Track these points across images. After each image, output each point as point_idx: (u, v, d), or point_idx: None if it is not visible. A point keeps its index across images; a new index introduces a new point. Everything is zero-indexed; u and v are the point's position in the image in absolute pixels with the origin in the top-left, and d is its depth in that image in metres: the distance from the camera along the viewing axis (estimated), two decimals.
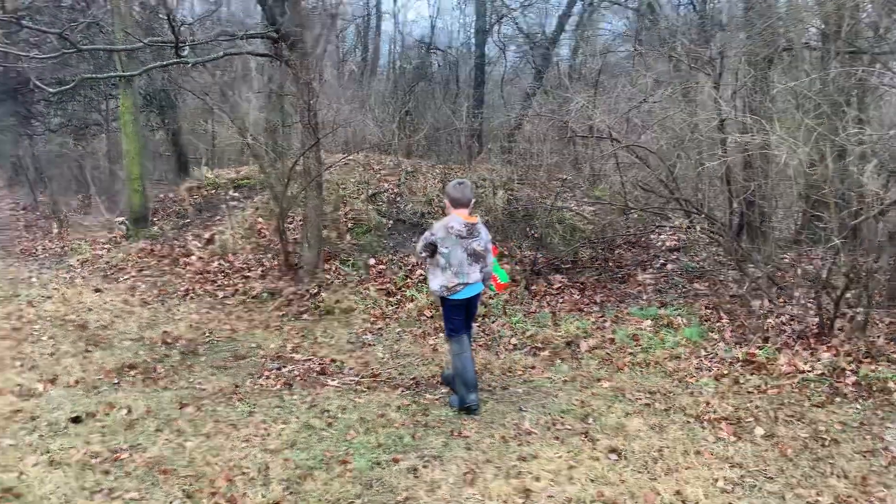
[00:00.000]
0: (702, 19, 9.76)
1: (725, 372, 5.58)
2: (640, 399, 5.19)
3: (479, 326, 7.03)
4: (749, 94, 7.08)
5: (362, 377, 5.88)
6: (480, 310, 7.31)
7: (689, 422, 4.80)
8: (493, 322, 7.07)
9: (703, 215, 7.00)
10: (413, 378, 5.80)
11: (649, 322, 6.54)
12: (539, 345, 6.46)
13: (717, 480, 4.00)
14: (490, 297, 7.49)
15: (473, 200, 5.12)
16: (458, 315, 5.18)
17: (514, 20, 15.92)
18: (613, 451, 4.37)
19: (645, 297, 7.17)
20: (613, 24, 15.40)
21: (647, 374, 5.69)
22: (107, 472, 4.14)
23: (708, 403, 5.05)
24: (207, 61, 8.60)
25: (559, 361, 6.12)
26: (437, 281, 5.07)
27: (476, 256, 5.06)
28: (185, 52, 7.12)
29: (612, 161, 7.33)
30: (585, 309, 7.13)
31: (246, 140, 9.69)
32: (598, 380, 5.61)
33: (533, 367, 6.02)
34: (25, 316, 7.38)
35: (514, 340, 6.62)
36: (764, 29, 7.11)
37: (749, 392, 5.25)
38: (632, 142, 7.03)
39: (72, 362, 6.10)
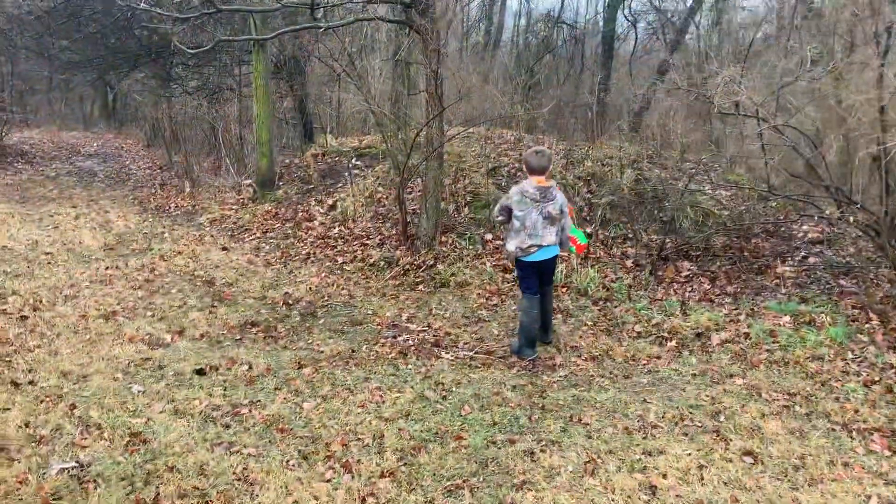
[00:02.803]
0: None
1: (877, 378, 5.04)
2: (778, 400, 4.77)
3: (600, 310, 6.73)
4: None
5: (477, 352, 5.74)
6: (602, 293, 7.01)
7: (834, 429, 4.37)
8: (615, 307, 6.74)
9: (857, 206, 6.36)
10: (530, 358, 5.60)
11: (788, 318, 6.02)
12: (665, 334, 6.08)
13: (869, 498, 3.60)
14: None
15: (550, 168, 5.42)
16: (532, 275, 5.51)
17: None
18: (748, 453, 4.03)
19: (784, 291, 6.62)
20: None
21: (786, 374, 5.23)
22: (227, 426, 4.20)
23: (857, 411, 4.58)
24: (339, 26, 8.63)
25: (687, 353, 5.74)
26: (513, 243, 5.41)
27: (551, 219, 5.36)
28: (319, 15, 7.13)
29: (757, 142, 6.78)
30: (717, 300, 6.67)
31: (371, 108, 9.70)
32: (731, 376, 5.21)
33: (658, 357, 5.67)
34: (157, 269, 7.71)
35: (637, 328, 6.27)
36: None
37: None
38: (781, 122, 6.44)
39: (198, 316, 6.30)
